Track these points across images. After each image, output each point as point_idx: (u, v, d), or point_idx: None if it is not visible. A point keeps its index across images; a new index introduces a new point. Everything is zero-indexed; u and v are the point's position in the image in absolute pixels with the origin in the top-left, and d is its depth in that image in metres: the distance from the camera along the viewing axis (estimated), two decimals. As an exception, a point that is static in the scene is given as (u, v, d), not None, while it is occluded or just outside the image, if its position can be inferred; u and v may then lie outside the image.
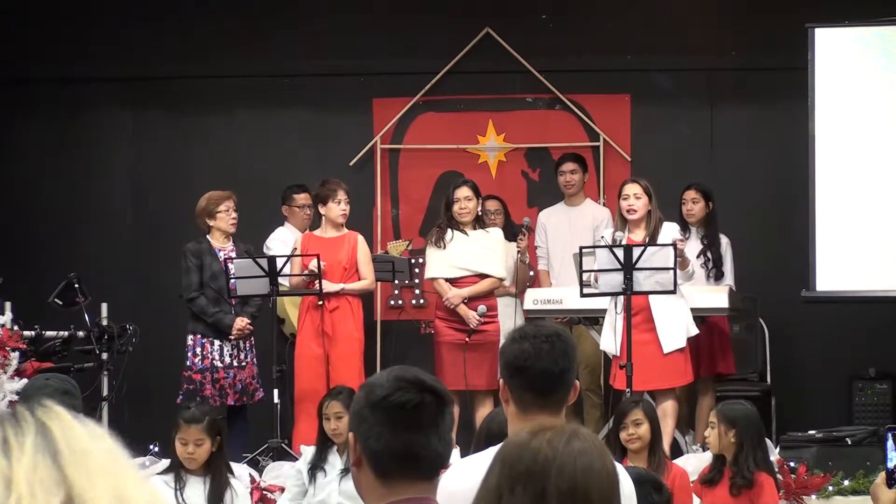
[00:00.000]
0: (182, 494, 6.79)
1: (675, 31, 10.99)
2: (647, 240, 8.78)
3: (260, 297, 9.44)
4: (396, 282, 10.86)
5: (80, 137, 11.57)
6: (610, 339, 8.76)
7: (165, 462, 7.26)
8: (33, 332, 8.89)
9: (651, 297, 8.68)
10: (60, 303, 9.24)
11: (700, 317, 9.11)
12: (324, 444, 7.45)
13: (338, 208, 9.46)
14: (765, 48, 10.77)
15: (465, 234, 9.45)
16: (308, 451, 7.52)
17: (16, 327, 8.60)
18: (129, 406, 8.92)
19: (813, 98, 9.85)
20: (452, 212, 9.44)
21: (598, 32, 11.13)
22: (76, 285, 9.21)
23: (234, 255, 9.51)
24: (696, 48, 11.01)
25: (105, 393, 9.02)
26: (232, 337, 9.37)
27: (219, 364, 9.40)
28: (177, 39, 11.36)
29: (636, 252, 8.44)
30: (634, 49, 11.07)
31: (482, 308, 9.33)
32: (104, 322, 9.27)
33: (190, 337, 9.46)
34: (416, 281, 11.10)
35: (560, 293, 9.56)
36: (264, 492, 8.07)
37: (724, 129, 11.08)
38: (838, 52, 9.90)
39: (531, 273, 10.47)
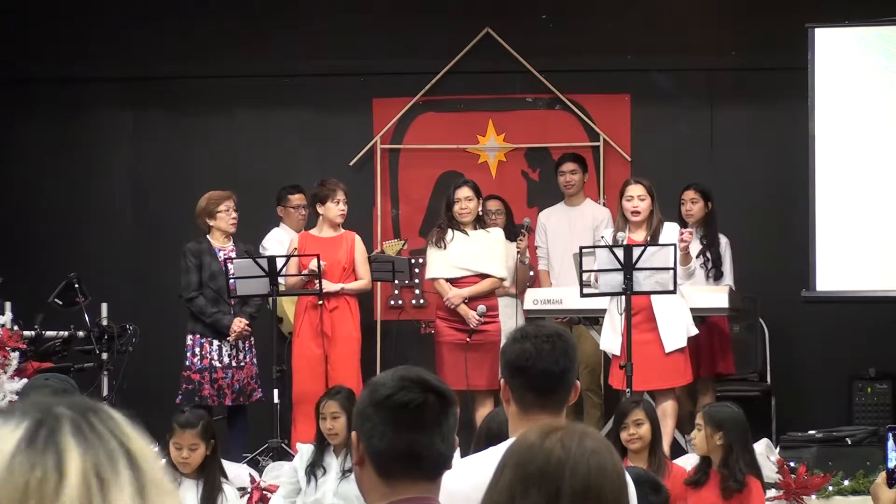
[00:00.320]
0: None
1: (675, 31, 10.99)
2: (648, 240, 8.78)
3: (259, 297, 9.45)
4: (396, 282, 10.85)
5: (80, 137, 11.57)
6: (610, 339, 8.76)
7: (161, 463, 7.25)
8: (33, 332, 8.89)
9: (653, 296, 8.68)
10: (60, 303, 9.24)
11: (700, 317, 9.11)
12: (321, 444, 7.45)
13: (336, 208, 9.47)
14: (765, 48, 10.77)
15: (466, 234, 9.45)
16: (305, 450, 7.52)
17: (16, 327, 8.60)
18: (128, 406, 8.92)
19: (813, 98, 9.85)
20: (453, 212, 9.44)
21: (598, 32, 11.13)
22: (76, 285, 9.21)
23: (234, 255, 9.51)
24: (696, 48, 11.01)
25: (105, 393, 9.02)
26: (230, 338, 9.37)
27: (217, 364, 9.41)
28: (177, 39, 11.36)
29: (636, 252, 8.44)
30: (634, 49, 11.07)
31: (482, 308, 9.33)
32: (104, 322, 9.27)
33: (189, 337, 9.46)
34: (416, 281, 11.10)
35: (560, 293, 9.56)
36: (264, 492, 8.06)
37: (724, 129, 11.08)
38: (838, 52, 9.90)
39: (531, 273, 10.48)
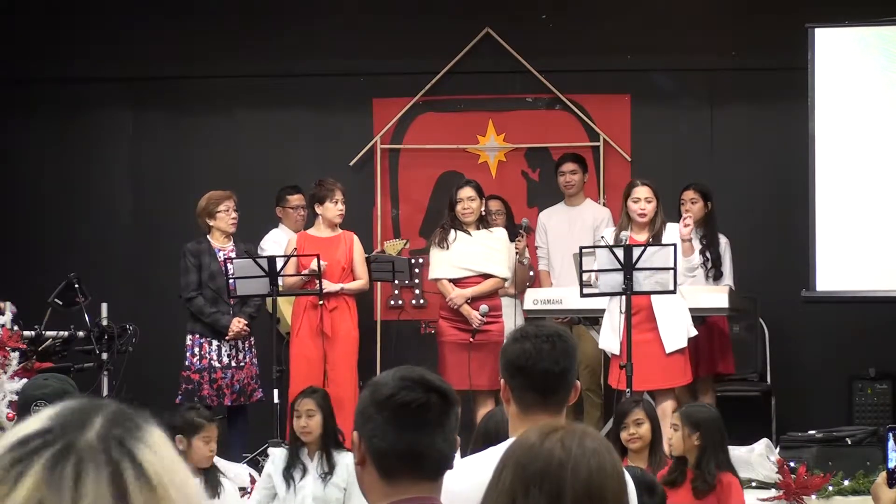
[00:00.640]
0: None
1: (675, 31, 10.99)
2: (650, 241, 8.78)
3: (259, 298, 9.45)
4: (396, 282, 10.85)
5: (80, 137, 11.57)
6: (609, 338, 8.75)
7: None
8: (33, 332, 8.89)
9: (653, 298, 8.68)
10: (60, 303, 9.23)
11: (700, 317, 9.11)
12: (294, 445, 7.44)
13: (335, 208, 9.49)
14: (765, 48, 10.77)
15: (469, 234, 9.46)
16: (278, 454, 7.50)
17: (16, 327, 8.60)
18: (128, 406, 8.91)
19: (813, 98, 9.85)
20: (456, 212, 9.45)
21: (598, 32, 11.13)
22: (76, 285, 9.21)
23: (233, 255, 9.52)
24: (696, 48, 11.01)
25: (105, 393, 9.02)
26: (228, 338, 9.37)
27: (216, 364, 9.41)
28: (177, 39, 11.36)
29: (636, 252, 8.44)
30: (634, 49, 11.06)
31: (484, 308, 9.34)
32: (104, 322, 9.27)
33: (189, 337, 9.47)
34: (416, 281, 11.10)
35: (560, 293, 9.57)
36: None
37: (724, 129, 11.08)
38: (838, 52, 9.90)
39: (531, 273, 10.48)
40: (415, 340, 11.02)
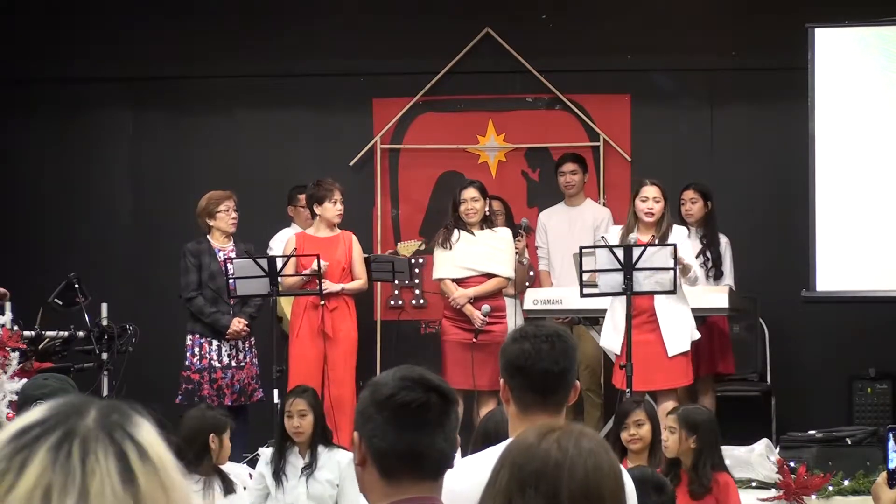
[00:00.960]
0: None
1: (675, 31, 10.98)
2: (655, 241, 8.75)
3: (260, 298, 9.45)
4: (396, 282, 10.85)
5: (80, 137, 11.57)
6: (611, 338, 8.74)
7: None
8: (33, 332, 8.89)
9: (656, 300, 8.66)
10: (60, 303, 9.23)
11: (700, 317, 9.10)
12: (283, 444, 7.44)
13: (334, 208, 9.49)
14: (765, 48, 10.77)
15: (472, 234, 9.47)
16: (268, 454, 7.51)
17: (16, 327, 8.60)
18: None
19: (813, 98, 9.85)
20: (459, 212, 9.47)
21: (598, 32, 11.12)
22: (76, 285, 9.21)
23: (233, 255, 9.52)
24: (696, 48, 11.01)
25: (105, 393, 9.02)
26: (227, 338, 9.37)
27: (217, 364, 9.41)
28: (177, 39, 11.36)
29: (636, 252, 8.43)
30: (634, 49, 11.06)
31: (486, 308, 9.34)
32: (104, 322, 9.27)
33: (189, 337, 9.48)
34: (416, 281, 11.10)
35: (560, 293, 9.57)
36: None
37: (724, 129, 11.08)
38: (838, 52, 9.90)
39: (530, 273, 10.48)
40: (415, 340, 11.02)
